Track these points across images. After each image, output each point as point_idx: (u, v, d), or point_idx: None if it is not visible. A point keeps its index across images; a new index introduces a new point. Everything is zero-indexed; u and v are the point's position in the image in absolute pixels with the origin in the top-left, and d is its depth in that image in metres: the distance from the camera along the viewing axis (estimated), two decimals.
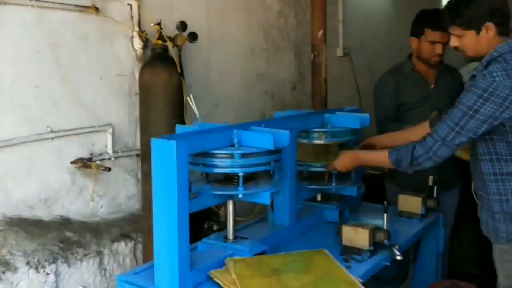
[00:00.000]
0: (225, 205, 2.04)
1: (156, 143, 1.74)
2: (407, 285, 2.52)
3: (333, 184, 2.42)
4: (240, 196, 1.88)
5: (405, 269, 2.54)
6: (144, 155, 2.68)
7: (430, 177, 2.66)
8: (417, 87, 2.88)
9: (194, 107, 2.16)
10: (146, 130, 2.67)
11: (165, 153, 1.70)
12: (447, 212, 2.83)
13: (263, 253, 1.98)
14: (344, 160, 2.35)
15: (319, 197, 2.58)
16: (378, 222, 2.43)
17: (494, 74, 1.92)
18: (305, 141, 2.44)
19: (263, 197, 1.90)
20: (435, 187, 2.57)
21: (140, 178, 2.83)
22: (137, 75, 2.80)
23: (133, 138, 2.87)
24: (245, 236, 2.10)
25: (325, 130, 2.39)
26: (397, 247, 2.10)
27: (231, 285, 1.67)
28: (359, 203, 2.73)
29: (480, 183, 2.14)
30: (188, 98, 2.20)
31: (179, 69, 2.72)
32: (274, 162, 1.94)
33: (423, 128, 2.38)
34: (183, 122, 2.65)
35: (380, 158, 2.25)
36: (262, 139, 1.86)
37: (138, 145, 2.84)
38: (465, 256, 3.88)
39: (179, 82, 2.70)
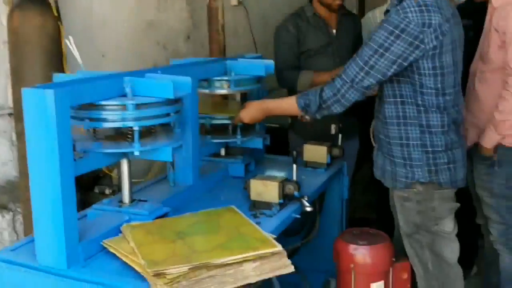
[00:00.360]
0: (118, 165, 1.78)
1: (29, 94, 1.43)
2: (314, 236, 2.46)
3: (238, 136, 2.25)
4: (137, 153, 1.64)
5: (311, 220, 2.48)
6: (18, 114, 2.30)
7: (333, 126, 2.60)
8: (319, 32, 2.77)
9: (75, 52, 1.84)
10: (19, 85, 2.28)
11: (41, 105, 1.41)
12: (348, 160, 2.81)
13: (165, 215, 1.77)
14: (251, 111, 2.18)
15: (222, 152, 2.40)
16: (284, 174, 2.33)
17: (407, 10, 1.83)
18: (207, 91, 2.23)
19: (164, 154, 1.67)
20: (340, 135, 2.51)
21: (14, 140, 2.46)
22: (4, 21, 2.40)
23: (4, 95, 2.48)
24: (143, 198, 1.87)
25: (227, 78, 2.19)
26: (306, 198, 2.01)
27: (130, 255, 1.45)
28: (263, 156, 2.61)
29: (381, 126, 2.09)
30: (67, 41, 1.87)
31: (55, 13, 2.35)
32: (174, 114, 1.71)
33: None
34: None
35: (288, 104, 2.12)
36: (160, 87, 1.62)
37: (10, 103, 2.45)
38: (360, 202, 3.99)
39: (56, 27, 2.34)
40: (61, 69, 2.36)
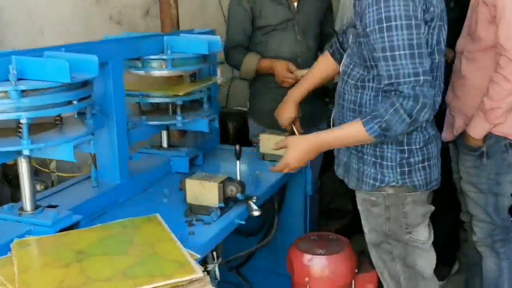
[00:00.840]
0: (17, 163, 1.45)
1: None
2: (274, 236, 2.17)
3: (178, 118, 1.91)
4: (26, 153, 1.31)
5: (270, 219, 2.19)
6: None
7: None
8: (278, 6, 2.41)
9: None
10: None
11: None
12: None
13: (74, 226, 1.45)
14: (300, 154, 1.68)
15: (165, 143, 2.08)
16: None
17: None
18: (142, 72, 1.89)
19: (63, 152, 1.34)
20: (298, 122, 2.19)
21: None
22: None
23: None
24: (57, 203, 1.55)
25: (164, 57, 1.85)
26: (254, 200, 1.69)
27: (8, 284, 1.14)
28: (216, 147, 2.29)
29: (351, 115, 1.75)
30: None
31: None
32: (79, 102, 1.38)
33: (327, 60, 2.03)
34: None
35: (352, 135, 1.60)
36: (54, 69, 1.29)
37: None
38: (337, 192, 3.69)
39: None
40: None
